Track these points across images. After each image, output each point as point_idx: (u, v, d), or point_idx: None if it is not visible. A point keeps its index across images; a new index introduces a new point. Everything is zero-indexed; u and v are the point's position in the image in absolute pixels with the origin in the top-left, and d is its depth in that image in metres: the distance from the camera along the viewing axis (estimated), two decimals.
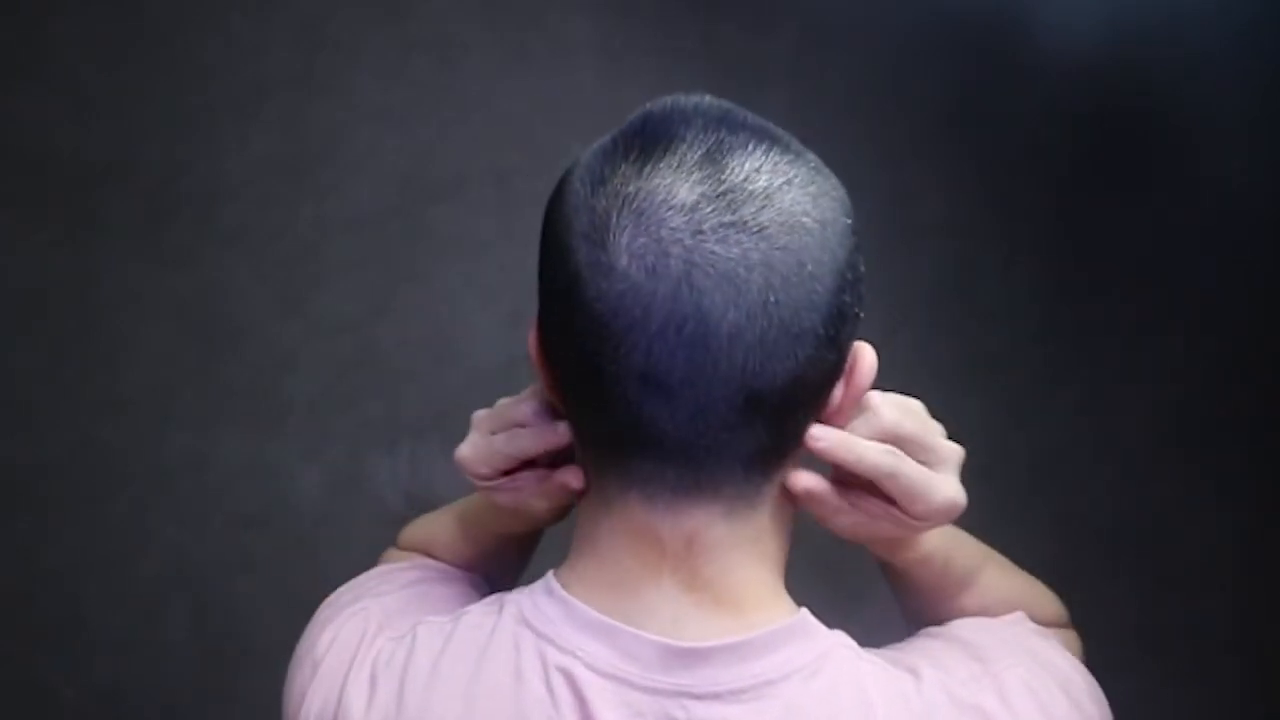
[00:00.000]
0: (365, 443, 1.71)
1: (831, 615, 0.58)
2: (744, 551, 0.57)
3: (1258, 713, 1.65)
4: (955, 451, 0.61)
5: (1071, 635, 0.74)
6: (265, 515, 1.70)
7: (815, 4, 1.71)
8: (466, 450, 0.66)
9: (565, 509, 0.67)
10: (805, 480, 0.59)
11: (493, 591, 0.66)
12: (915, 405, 0.62)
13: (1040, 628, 0.67)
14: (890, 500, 0.59)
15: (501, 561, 0.78)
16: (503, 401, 0.67)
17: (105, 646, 1.68)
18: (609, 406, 0.54)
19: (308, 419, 1.71)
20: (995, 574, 0.72)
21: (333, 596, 0.70)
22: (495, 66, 1.71)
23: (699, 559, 0.56)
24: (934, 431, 0.61)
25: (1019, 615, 0.68)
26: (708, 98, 0.56)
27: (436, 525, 0.80)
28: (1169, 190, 1.71)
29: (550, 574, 0.60)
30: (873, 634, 0.59)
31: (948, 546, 0.69)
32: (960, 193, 1.71)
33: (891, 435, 0.59)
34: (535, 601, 0.58)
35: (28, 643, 1.68)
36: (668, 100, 0.56)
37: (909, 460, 0.58)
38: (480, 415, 0.67)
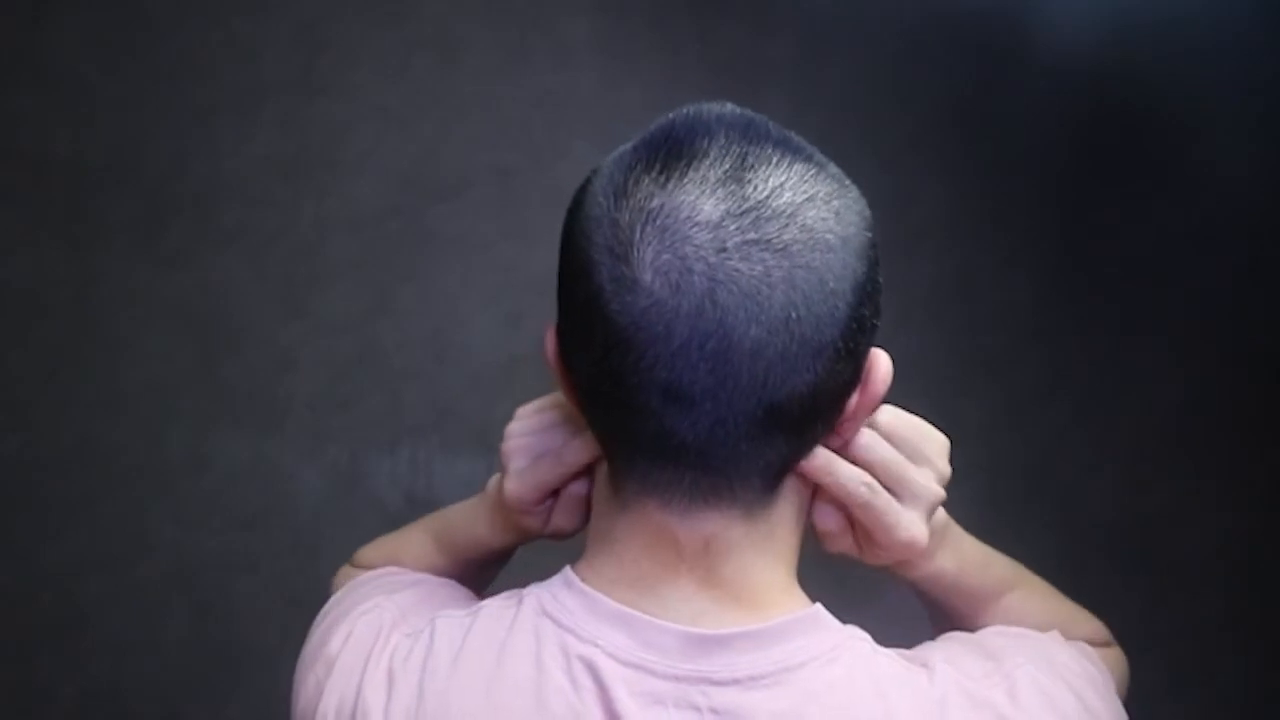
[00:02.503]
0: (365, 443, 1.71)
1: (838, 615, 0.58)
2: (760, 550, 0.58)
3: (1259, 713, 1.65)
4: (927, 490, 0.62)
5: (1113, 654, 0.74)
6: (265, 515, 1.70)
7: (815, 4, 1.71)
8: (514, 485, 0.67)
9: (585, 522, 0.69)
10: (830, 521, 0.63)
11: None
12: (913, 430, 0.63)
13: (1066, 640, 0.67)
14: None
15: (481, 576, 0.79)
16: (528, 425, 0.68)
17: (105, 646, 1.68)
18: (629, 416, 0.54)
19: (308, 419, 1.71)
20: (1021, 598, 0.72)
21: (330, 604, 0.69)
22: (495, 66, 1.71)
23: (716, 559, 0.57)
24: (922, 462, 0.63)
25: (1053, 634, 0.68)
26: (729, 106, 0.56)
27: (404, 544, 0.80)
28: (1168, 190, 1.71)
29: (568, 568, 0.60)
30: (879, 634, 0.59)
31: (961, 567, 0.69)
32: (960, 193, 1.71)
33: (862, 459, 0.61)
34: (555, 594, 0.59)
35: (28, 643, 1.68)
36: (690, 110, 0.56)
37: (882, 494, 0.61)
38: (512, 449, 0.68)
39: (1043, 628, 0.69)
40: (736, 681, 0.55)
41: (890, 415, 0.63)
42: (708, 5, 1.71)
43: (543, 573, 0.62)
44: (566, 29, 1.71)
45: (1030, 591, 0.74)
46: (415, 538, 0.80)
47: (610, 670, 0.55)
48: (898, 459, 0.62)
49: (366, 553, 0.82)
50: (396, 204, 1.71)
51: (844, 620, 0.58)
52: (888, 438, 0.62)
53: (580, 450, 0.64)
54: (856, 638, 0.58)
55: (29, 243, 1.69)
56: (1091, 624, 0.76)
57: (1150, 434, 1.70)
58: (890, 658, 0.57)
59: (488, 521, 0.74)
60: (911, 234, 1.70)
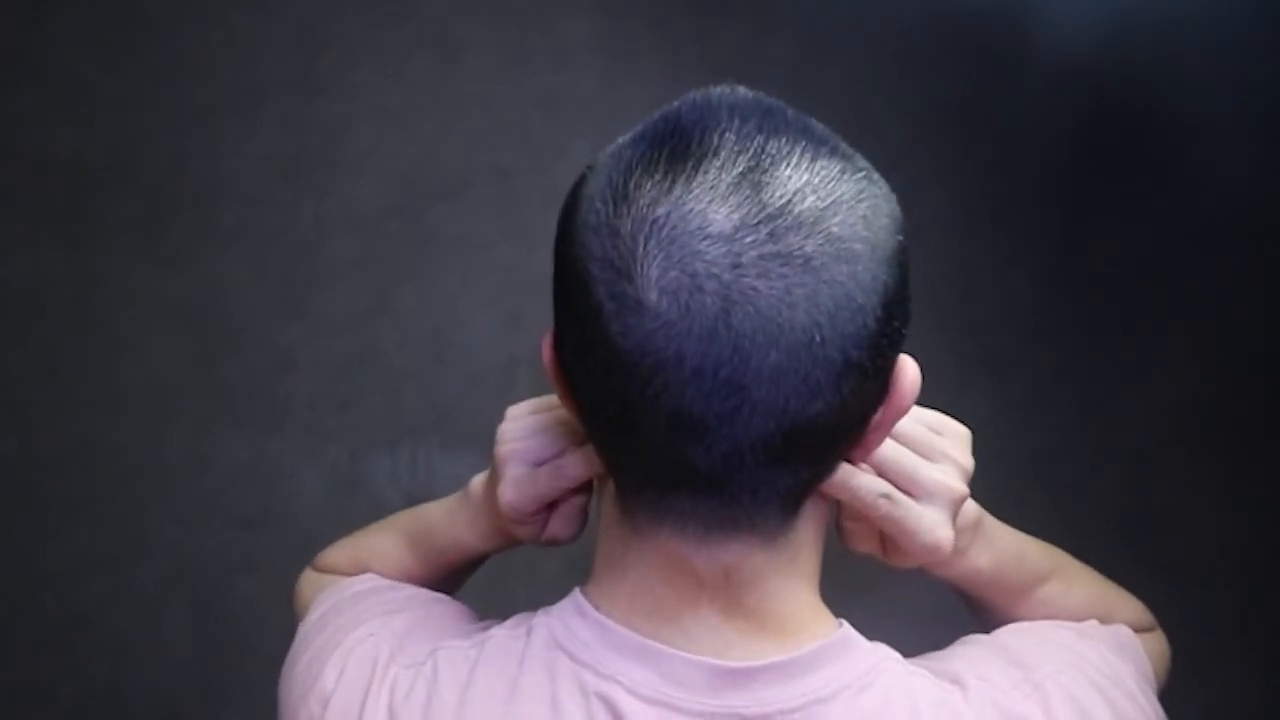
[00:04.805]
0: (365, 443, 1.71)
1: (837, 606, 0.57)
2: (783, 574, 0.54)
3: (1259, 712, 1.65)
4: (944, 488, 0.58)
5: (1154, 639, 0.72)
6: (265, 515, 1.70)
7: (815, 4, 1.71)
8: (512, 496, 0.62)
9: (582, 530, 0.65)
10: (865, 548, 0.61)
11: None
12: (926, 425, 0.60)
13: (1089, 628, 0.65)
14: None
15: (456, 580, 0.75)
16: (523, 427, 0.63)
17: (105, 646, 1.68)
18: (636, 442, 0.50)
19: (308, 419, 1.71)
20: (1060, 588, 0.69)
21: (315, 622, 0.65)
22: (495, 66, 1.71)
23: (739, 589, 0.53)
24: (938, 458, 0.59)
25: (1090, 623, 0.66)
26: (741, 90, 0.51)
27: (374, 547, 0.75)
28: (1169, 190, 1.71)
29: (578, 593, 0.56)
30: (878, 625, 0.58)
31: (997, 562, 0.66)
32: (960, 193, 1.71)
33: (872, 461, 0.57)
34: (567, 623, 0.55)
35: (28, 643, 1.68)
36: (697, 96, 0.50)
37: (903, 502, 0.57)
38: (508, 454, 0.62)
39: (1082, 617, 0.66)
40: (767, 717, 0.51)
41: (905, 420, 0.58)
42: (708, 5, 1.71)
43: (539, 578, 0.60)
44: (566, 29, 1.71)
45: (1068, 580, 0.70)
46: (386, 539, 0.75)
47: (631, 708, 0.51)
48: (909, 458, 0.58)
49: (331, 555, 0.78)
50: (396, 204, 1.71)
51: (839, 613, 0.57)
52: (897, 436, 0.58)
53: (583, 464, 0.60)
54: (888, 659, 0.55)
55: (29, 243, 1.69)
56: (1133, 609, 0.73)
57: (1150, 434, 1.70)
58: (922, 677, 0.55)
59: (471, 524, 0.69)
60: (911, 234, 1.69)
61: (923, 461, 0.59)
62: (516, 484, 0.62)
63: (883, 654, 0.55)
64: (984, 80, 1.71)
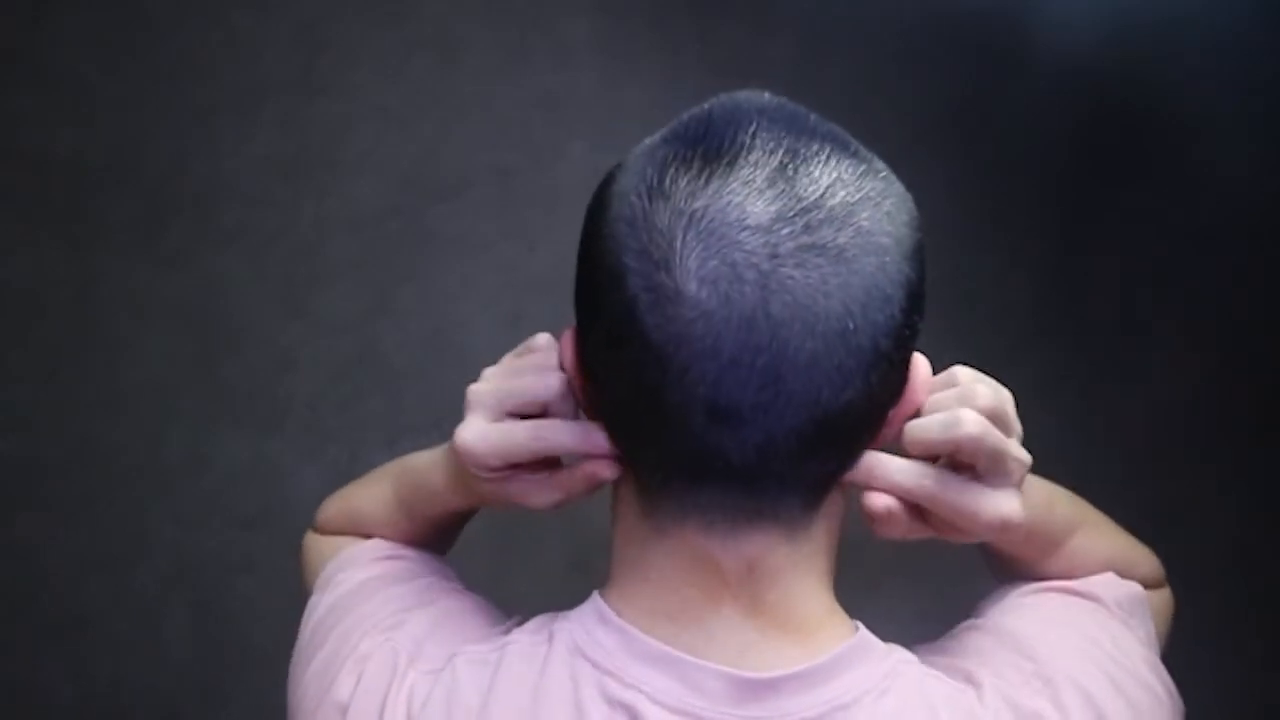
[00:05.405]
0: (365, 443, 1.71)
1: (842, 604, 0.57)
2: (803, 570, 0.55)
3: (1259, 712, 1.65)
4: (1020, 465, 0.55)
5: (1164, 595, 0.73)
6: (265, 515, 1.70)
7: (815, 4, 1.71)
8: (473, 438, 0.57)
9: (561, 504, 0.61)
10: (881, 501, 0.55)
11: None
12: (1004, 400, 0.57)
13: (1103, 588, 0.64)
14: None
15: (445, 537, 0.74)
16: (508, 368, 0.60)
17: (105, 646, 1.68)
18: (668, 436, 0.50)
19: (308, 419, 1.71)
20: (1086, 541, 0.69)
21: (322, 610, 0.64)
22: (495, 66, 1.71)
23: (761, 584, 0.54)
24: (1010, 431, 0.56)
25: (1106, 577, 0.66)
26: (767, 95, 0.53)
27: (368, 505, 0.73)
28: (1169, 190, 1.71)
29: (597, 597, 0.56)
30: (884, 623, 0.58)
31: (1031, 516, 0.61)
32: (960, 193, 1.71)
33: (968, 450, 0.54)
34: (588, 630, 0.55)
35: (28, 643, 1.68)
36: (726, 99, 0.52)
37: (952, 481, 0.54)
38: (483, 391, 0.59)
39: (1106, 569, 0.67)
40: None
41: (990, 391, 0.56)
42: (708, 5, 1.71)
43: (545, 575, 0.60)
44: (566, 29, 1.71)
45: (1094, 531, 0.70)
46: (377, 492, 0.73)
47: (655, 716, 0.52)
48: (1003, 442, 0.54)
49: (328, 512, 0.77)
50: (396, 204, 1.71)
51: (846, 611, 0.57)
52: (991, 418, 0.55)
53: (572, 436, 0.56)
54: (904, 661, 0.55)
55: (29, 243, 1.69)
56: (1151, 563, 0.74)
57: (1150, 434, 1.70)
58: (938, 678, 0.55)
59: (445, 473, 0.65)
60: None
61: (1008, 441, 0.56)
62: (480, 432, 0.57)
63: (898, 656, 0.55)
64: (984, 80, 1.71)
